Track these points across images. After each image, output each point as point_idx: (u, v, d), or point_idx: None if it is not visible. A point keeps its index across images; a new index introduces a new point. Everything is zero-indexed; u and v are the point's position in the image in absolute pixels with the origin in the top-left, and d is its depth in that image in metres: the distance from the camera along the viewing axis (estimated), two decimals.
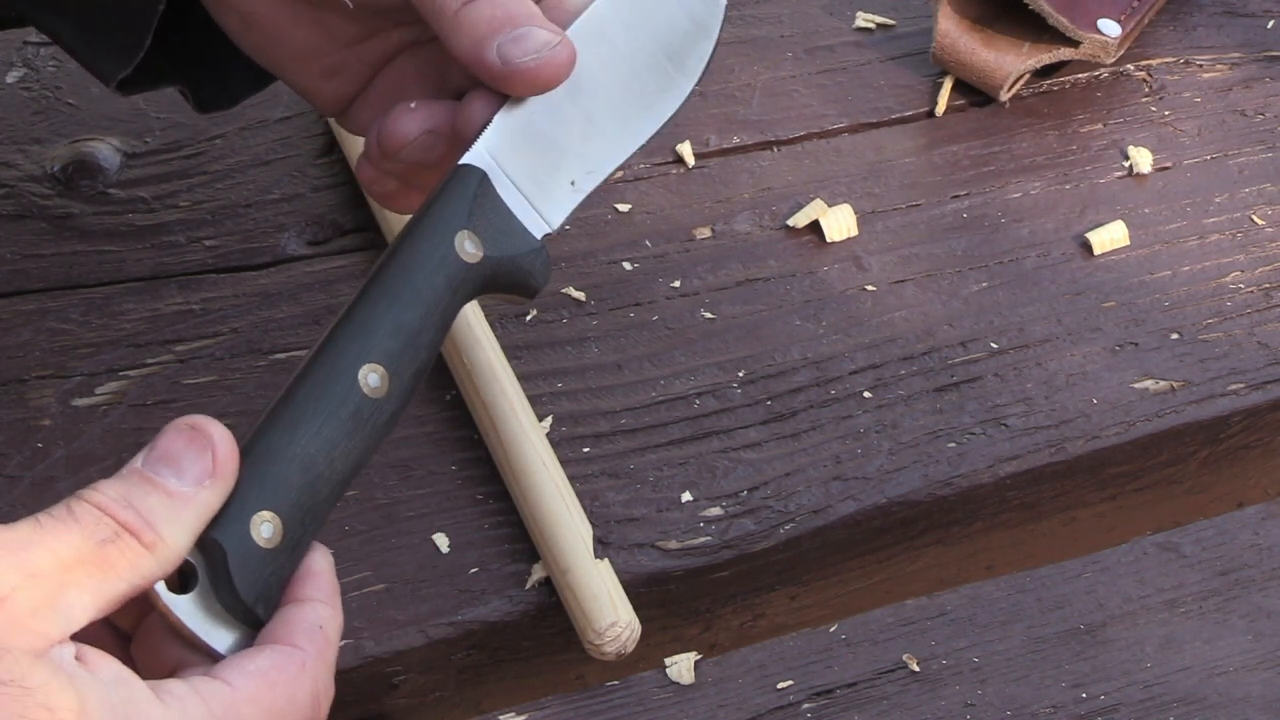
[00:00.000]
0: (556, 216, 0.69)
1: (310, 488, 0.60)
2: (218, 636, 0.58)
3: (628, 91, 0.71)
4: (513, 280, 0.67)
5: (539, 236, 0.68)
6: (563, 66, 0.67)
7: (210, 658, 0.58)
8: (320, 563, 0.61)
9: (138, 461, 0.58)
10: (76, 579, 0.54)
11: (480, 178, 0.66)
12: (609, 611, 0.74)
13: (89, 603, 0.55)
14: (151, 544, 0.56)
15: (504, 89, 0.67)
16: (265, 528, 0.59)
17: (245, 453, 0.59)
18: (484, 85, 0.68)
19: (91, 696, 0.53)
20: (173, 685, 0.55)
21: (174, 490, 0.57)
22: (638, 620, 0.75)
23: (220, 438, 0.58)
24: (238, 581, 0.58)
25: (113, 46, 0.74)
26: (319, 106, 0.76)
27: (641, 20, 0.71)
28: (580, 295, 0.88)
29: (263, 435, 0.60)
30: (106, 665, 0.54)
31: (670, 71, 0.72)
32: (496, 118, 0.68)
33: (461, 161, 0.67)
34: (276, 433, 0.60)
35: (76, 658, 0.54)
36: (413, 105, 0.70)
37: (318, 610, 0.60)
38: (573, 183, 0.69)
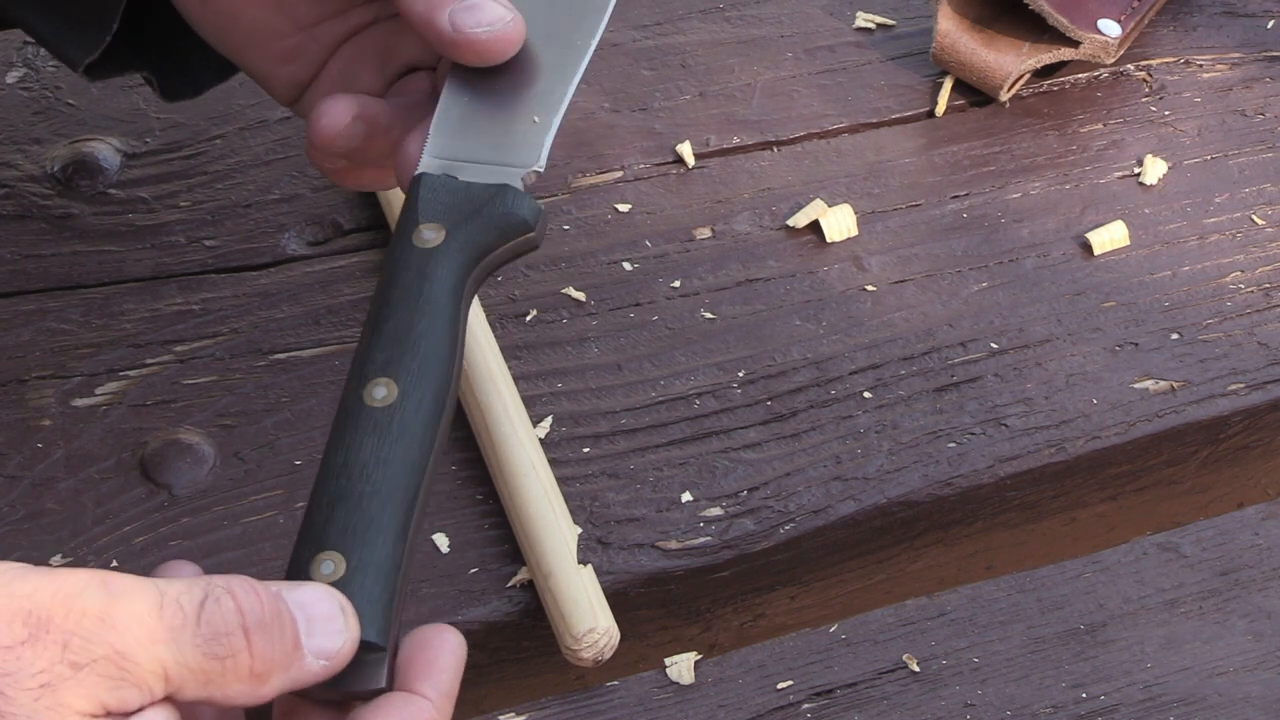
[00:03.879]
0: (531, 155, 0.68)
1: (356, 511, 0.59)
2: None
3: (554, 8, 0.70)
4: (501, 234, 0.66)
5: (519, 174, 0.67)
6: (512, 43, 0.67)
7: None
8: (445, 656, 0.58)
9: (287, 590, 0.55)
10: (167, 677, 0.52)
11: (425, 179, 0.66)
12: (588, 617, 0.74)
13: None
14: (260, 676, 0.54)
15: (451, 56, 0.68)
16: (325, 565, 0.58)
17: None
18: (418, 128, 0.69)
19: None
20: None
21: (299, 646, 0.55)
22: (616, 627, 0.75)
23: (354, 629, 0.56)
24: None
25: (80, 32, 0.75)
26: (275, 94, 0.76)
27: None
28: (580, 295, 0.88)
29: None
30: None
31: None
32: (435, 117, 0.68)
33: (420, 172, 0.67)
34: (318, 477, 0.60)
35: None
36: (336, 99, 0.71)
37: (423, 711, 0.57)
38: (535, 120, 0.69)
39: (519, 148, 0.68)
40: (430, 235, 0.64)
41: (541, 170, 0.68)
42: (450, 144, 0.68)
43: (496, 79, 0.69)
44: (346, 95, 0.71)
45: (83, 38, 0.75)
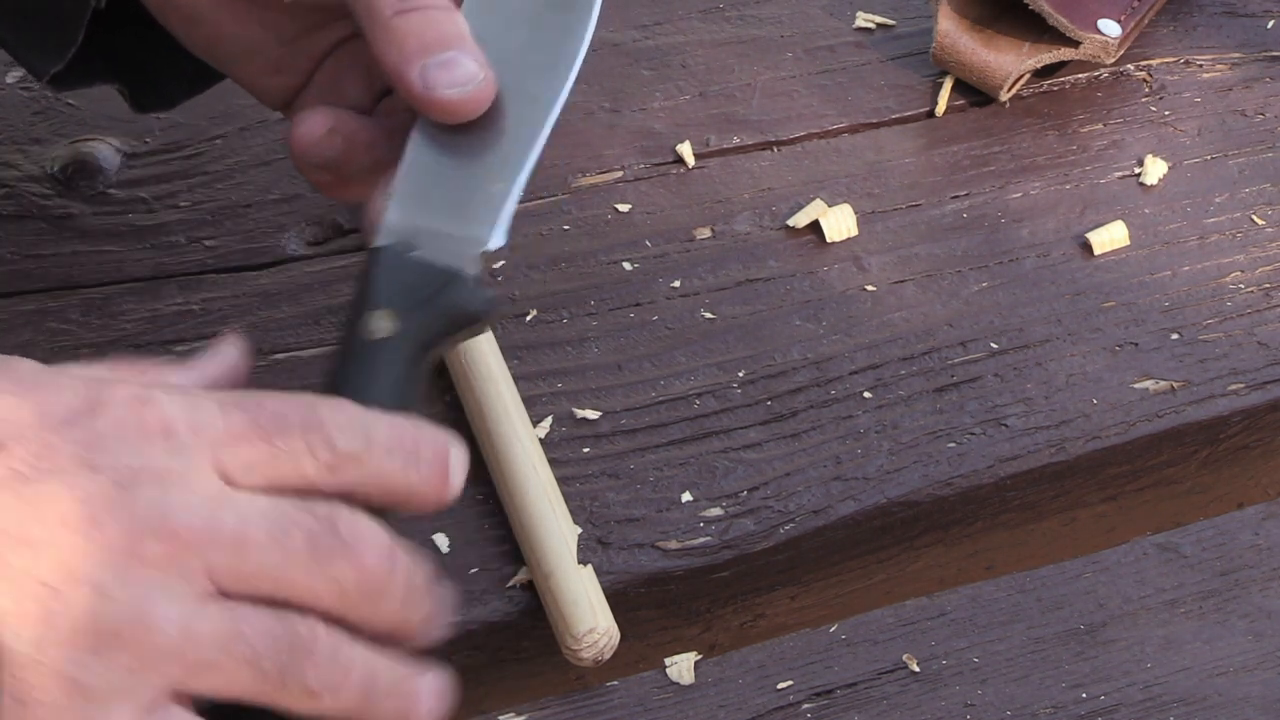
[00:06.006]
0: (489, 232, 0.65)
1: None
2: None
3: (524, 64, 0.68)
4: (451, 326, 0.64)
5: (474, 257, 0.65)
6: (481, 104, 0.66)
7: None
8: None
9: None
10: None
11: (381, 254, 0.64)
12: (588, 617, 0.74)
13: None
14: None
15: (421, 111, 0.67)
16: None
17: None
18: (389, 172, 0.68)
19: None
20: None
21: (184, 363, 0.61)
22: (616, 627, 0.75)
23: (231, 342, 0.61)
24: None
25: (45, 41, 0.75)
26: (267, 103, 0.76)
27: None
28: (592, 414, 0.87)
29: None
30: None
31: (561, 16, 0.68)
32: (398, 176, 0.66)
33: (369, 246, 0.65)
34: None
35: None
36: (315, 111, 0.71)
37: None
38: (497, 188, 0.66)
39: (478, 221, 0.65)
40: (380, 325, 0.62)
41: (499, 249, 0.66)
42: (410, 210, 0.65)
43: (462, 135, 0.67)
44: (326, 109, 0.71)
45: (48, 46, 0.75)
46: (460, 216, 0.66)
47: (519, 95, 0.67)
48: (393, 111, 0.72)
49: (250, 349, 0.63)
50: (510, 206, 0.66)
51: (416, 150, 0.67)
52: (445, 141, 0.67)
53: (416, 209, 0.65)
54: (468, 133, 0.67)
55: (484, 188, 0.66)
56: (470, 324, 0.64)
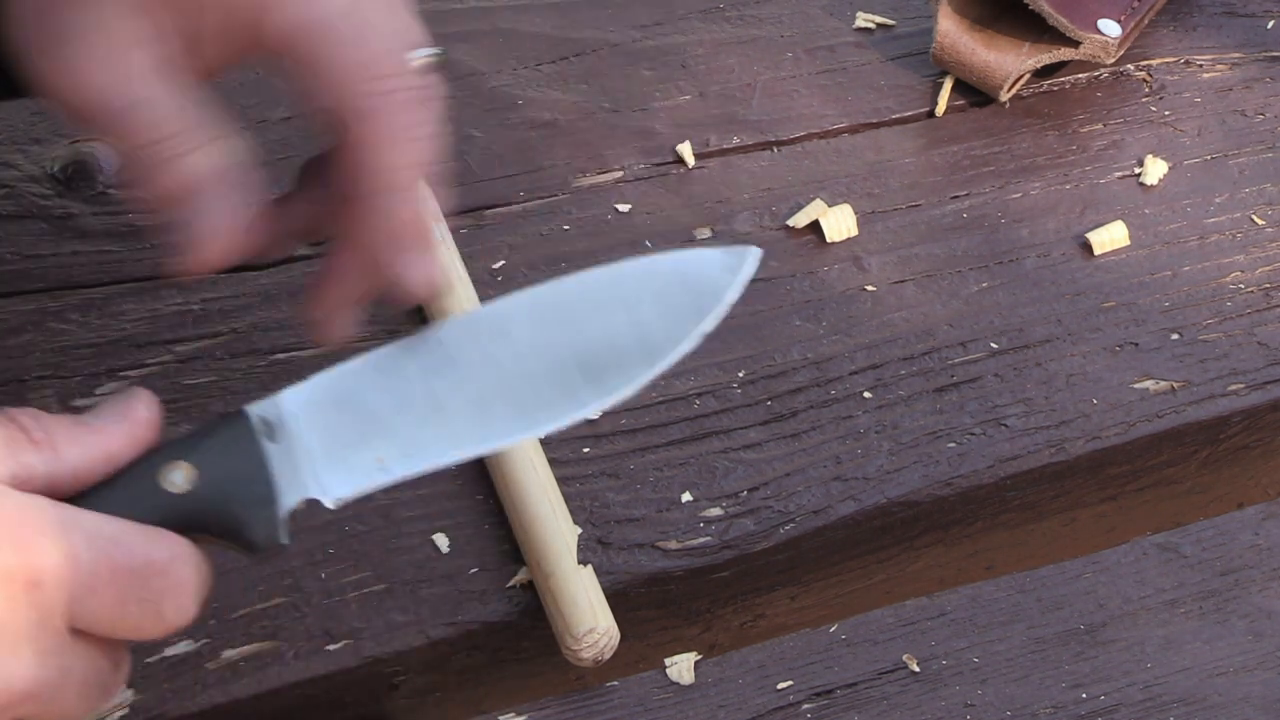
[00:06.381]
0: (340, 489, 0.61)
1: None
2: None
3: (504, 391, 0.62)
4: (229, 534, 0.59)
5: (296, 500, 0.60)
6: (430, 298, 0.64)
7: None
8: None
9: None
10: None
11: (242, 422, 0.60)
12: (588, 617, 0.74)
13: None
14: (39, 441, 0.57)
15: (381, 289, 0.64)
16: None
17: None
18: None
19: None
20: None
21: (82, 420, 0.58)
22: (616, 627, 0.75)
23: (141, 399, 0.60)
24: None
25: None
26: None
27: (570, 322, 0.63)
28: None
29: None
30: None
31: (578, 384, 0.62)
32: (331, 371, 0.62)
33: (244, 407, 0.61)
34: None
35: None
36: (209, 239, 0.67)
37: None
38: (380, 460, 0.61)
39: (341, 472, 0.61)
40: (175, 478, 0.59)
41: (331, 508, 0.61)
42: (308, 399, 0.62)
43: (417, 380, 0.62)
44: (215, 228, 0.66)
45: None
46: (335, 456, 0.61)
47: (504, 399, 0.62)
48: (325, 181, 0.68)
49: (160, 405, 0.61)
50: (382, 485, 0.61)
51: (370, 368, 0.63)
52: (393, 375, 0.63)
53: (313, 410, 0.62)
54: (422, 382, 0.63)
55: (374, 450, 0.61)
56: (243, 546, 0.60)
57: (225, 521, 0.59)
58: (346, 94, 0.63)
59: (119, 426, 0.59)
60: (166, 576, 0.57)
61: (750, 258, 0.64)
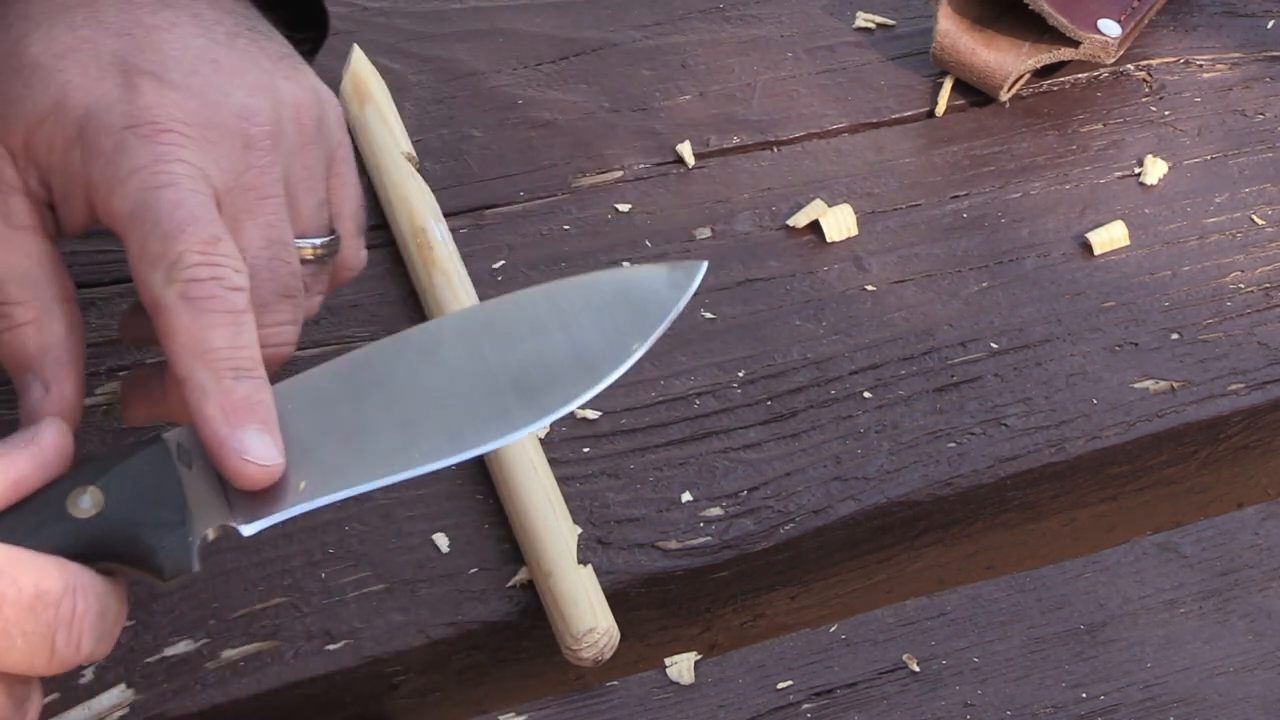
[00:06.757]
0: (258, 515, 0.59)
1: None
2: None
3: (432, 412, 0.61)
4: (132, 553, 0.58)
5: (210, 526, 0.59)
6: (265, 484, 0.60)
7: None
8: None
9: None
10: None
11: (158, 447, 0.59)
12: (588, 617, 0.74)
13: None
14: None
15: (218, 464, 0.59)
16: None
17: None
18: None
19: None
20: None
21: None
22: (616, 627, 0.75)
23: (50, 427, 0.58)
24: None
25: None
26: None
27: (504, 340, 0.62)
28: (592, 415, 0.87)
29: None
30: None
31: (510, 404, 0.61)
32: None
33: (161, 434, 0.60)
34: None
35: None
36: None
37: None
38: (301, 486, 0.60)
39: (259, 498, 0.59)
40: (82, 502, 0.57)
41: (246, 536, 0.59)
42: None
43: (345, 405, 0.61)
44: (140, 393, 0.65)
45: None
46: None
47: (417, 427, 0.61)
48: None
49: (71, 435, 0.59)
50: (298, 512, 0.60)
51: (295, 391, 0.61)
52: (315, 401, 0.61)
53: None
54: (350, 408, 0.61)
55: (296, 476, 0.60)
56: (153, 572, 0.58)
57: (133, 547, 0.58)
58: (142, 285, 0.61)
59: (24, 453, 0.58)
60: (57, 609, 0.55)
61: (697, 274, 0.63)
